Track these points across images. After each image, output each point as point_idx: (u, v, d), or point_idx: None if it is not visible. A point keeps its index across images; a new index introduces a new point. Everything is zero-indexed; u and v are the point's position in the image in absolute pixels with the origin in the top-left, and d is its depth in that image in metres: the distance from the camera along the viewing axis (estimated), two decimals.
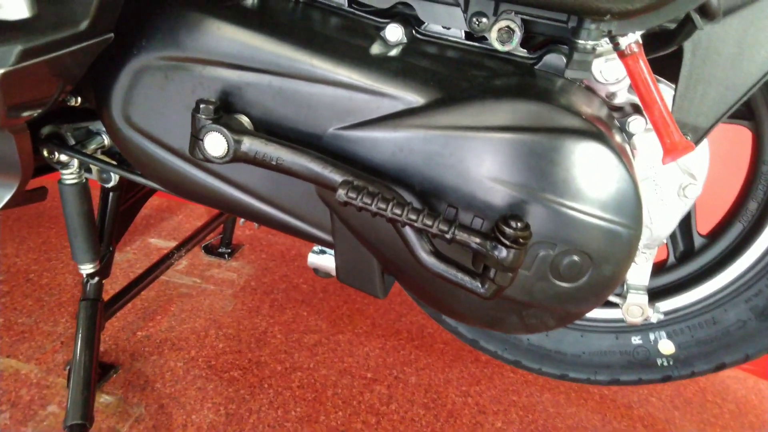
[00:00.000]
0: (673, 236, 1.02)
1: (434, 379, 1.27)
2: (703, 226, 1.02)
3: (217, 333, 1.31)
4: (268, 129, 0.68)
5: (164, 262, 1.26)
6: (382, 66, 0.65)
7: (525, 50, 0.71)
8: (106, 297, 1.09)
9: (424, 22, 0.73)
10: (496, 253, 0.55)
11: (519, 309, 0.67)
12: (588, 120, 0.60)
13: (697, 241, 1.00)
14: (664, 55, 0.72)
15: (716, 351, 0.97)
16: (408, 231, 0.60)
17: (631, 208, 0.60)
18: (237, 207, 0.74)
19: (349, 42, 0.68)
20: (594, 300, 0.66)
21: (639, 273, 0.92)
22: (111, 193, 0.97)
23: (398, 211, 0.57)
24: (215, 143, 0.64)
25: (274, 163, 0.63)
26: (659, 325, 0.99)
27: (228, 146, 0.64)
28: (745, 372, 1.50)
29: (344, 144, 0.66)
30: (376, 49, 0.69)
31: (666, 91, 0.76)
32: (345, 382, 1.23)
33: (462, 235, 0.56)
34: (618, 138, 0.66)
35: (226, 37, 0.67)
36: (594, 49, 0.60)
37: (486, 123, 0.60)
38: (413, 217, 0.57)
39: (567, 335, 1.05)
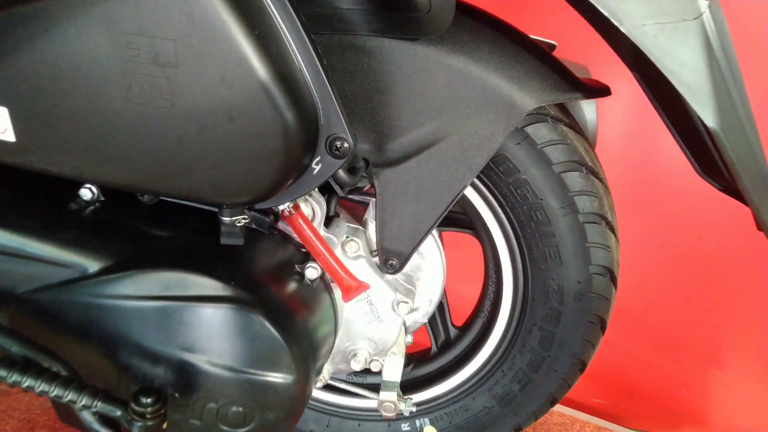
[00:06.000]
0: (434, 327, 1.11)
1: None
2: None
3: None
4: None
5: None
6: (57, 235, 0.69)
7: None
8: None
9: None
10: (132, 428, 0.60)
11: None
12: (236, 286, 0.66)
13: (452, 332, 1.09)
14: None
15: None
16: None
17: (280, 361, 0.67)
18: None
19: (34, 211, 0.72)
20: None
21: (390, 372, 0.99)
22: None
23: (46, 388, 0.61)
24: None
25: None
26: (422, 413, 1.07)
27: None
28: None
29: (30, 306, 0.70)
30: (67, 210, 0.73)
31: None
32: None
33: (105, 409, 0.61)
34: (290, 288, 0.73)
35: None
36: (235, 224, 0.66)
37: (141, 292, 0.66)
38: (60, 393, 0.61)
39: (345, 425, 1.11)
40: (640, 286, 1.62)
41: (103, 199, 0.75)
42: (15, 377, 0.61)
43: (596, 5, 0.65)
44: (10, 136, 0.60)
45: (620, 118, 1.46)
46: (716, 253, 1.49)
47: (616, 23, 0.65)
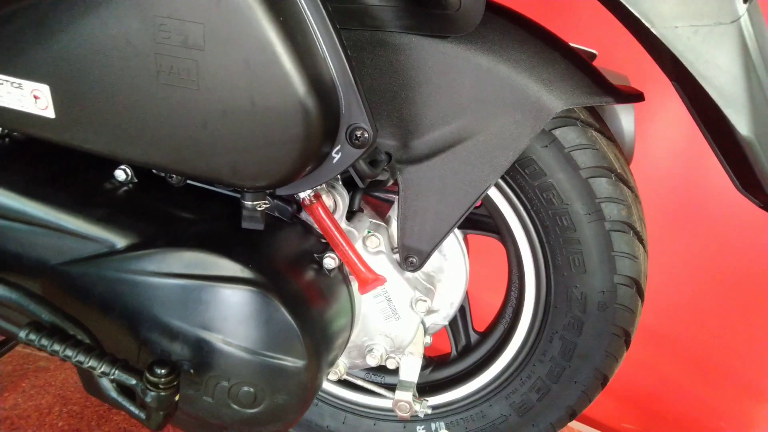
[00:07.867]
0: (455, 330, 1.10)
1: None
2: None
3: (61, 411, 1.36)
4: (2, 262, 0.76)
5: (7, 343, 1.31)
6: (90, 212, 0.73)
7: None
8: None
9: None
10: (145, 397, 0.62)
11: (219, 429, 0.74)
12: (254, 269, 0.68)
13: (473, 337, 1.08)
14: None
15: None
16: None
17: (292, 345, 0.68)
18: None
19: (71, 188, 0.76)
20: (280, 422, 0.73)
21: (407, 371, 0.99)
22: None
23: (70, 353, 0.64)
24: None
25: None
26: (438, 416, 1.06)
27: None
28: None
29: (64, 278, 0.73)
30: (102, 189, 0.77)
31: None
32: None
33: (122, 377, 0.63)
34: (307, 277, 0.74)
35: None
36: (256, 208, 0.68)
37: (164, 270, 0.68)
38: (82, 359, 0.64)
39: (362, 423, 1.11)
40: (678, 308, 1.56)
41: (136, 180, 0.79)
42: (44, 341, 0.65)
43: (627, 5, 0.64)
44: (50, 113, 0.64)
45: (661, 130, 1.42)
46: (761, 276, 1.43)
47: (647, 24, 0.64)
